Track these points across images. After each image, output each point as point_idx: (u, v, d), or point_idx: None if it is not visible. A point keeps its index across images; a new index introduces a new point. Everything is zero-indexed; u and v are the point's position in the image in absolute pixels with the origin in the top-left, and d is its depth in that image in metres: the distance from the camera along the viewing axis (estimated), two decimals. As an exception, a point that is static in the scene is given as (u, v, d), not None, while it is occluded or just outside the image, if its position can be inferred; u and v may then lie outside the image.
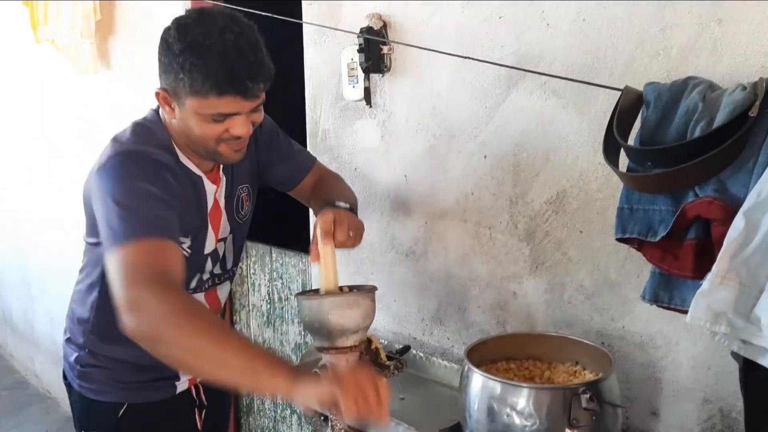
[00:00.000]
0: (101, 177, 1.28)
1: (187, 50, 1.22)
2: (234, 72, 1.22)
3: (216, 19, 1.24)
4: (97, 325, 1.47)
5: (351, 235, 1.34)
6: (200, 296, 1.51)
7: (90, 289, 1.48)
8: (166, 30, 1.27)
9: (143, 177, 1.26)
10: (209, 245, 1.46)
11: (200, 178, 1.42)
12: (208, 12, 1.27)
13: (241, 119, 1.29)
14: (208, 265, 1.49)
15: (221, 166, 1.46)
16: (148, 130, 1.38)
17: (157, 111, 1.42)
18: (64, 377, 1.58)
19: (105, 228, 1.22)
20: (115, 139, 1.35)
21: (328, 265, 1.31)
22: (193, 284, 1.47)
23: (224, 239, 1.51)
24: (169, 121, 1.36)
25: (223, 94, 1.23)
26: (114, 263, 1.16)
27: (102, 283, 1.43)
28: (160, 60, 1.28)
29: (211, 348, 1.09)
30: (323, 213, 1.34)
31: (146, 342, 1.11)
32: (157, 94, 1.31)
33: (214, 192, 1.45)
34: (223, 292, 1.59)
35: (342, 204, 1.41)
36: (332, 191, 1.55)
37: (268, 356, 1.10)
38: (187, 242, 1.38)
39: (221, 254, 1.52)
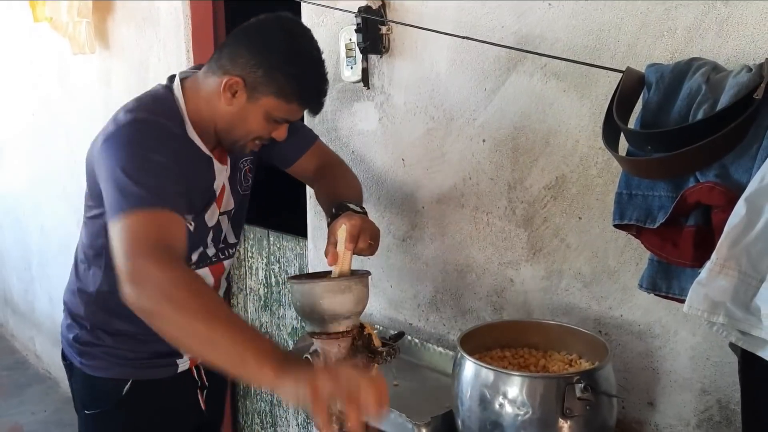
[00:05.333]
0: (109, 146, 1.26)
1: (296, 57, 1.31)
2: (322, 89, 1.36)
3: (309, 32, 1.37)
4: (102, 298, 1.46)
5: (371, 243, 1.34)
6: (205, 270, 1.50)
7: (95, 261, 1.46)
8: (266, 24, 1.32)
9: (152, 146, 1.26)
10: (212, 219, 1.45)
11: (210, 158, 1.41)
12: (300, 22, 1.43)
13: (286, 126, 1.39)
14: (210, 237, 1.47)
15: None
16: (159, 101, 1.37)
17: (166, 87, 1.40)
18: (63, 357, 1.57)
19: (110, 195, 1.21)
20: (125, 109, 1.34)
21: (345, 270, 1.30)
22: (195, 257, 1.46)
23: (228, 212, 1.50)
24: (212, 104, 1.34)
25: (304, 105, 1.36)
26: (117, 232, 1.15)
27: (106, 256, 1.42)
28: (248, 50, 1.30)
29: (203, 329, 1.05)
30: (350, 217, 1.32)
31: (145, 315, 1.09)
32: (228, 79, 1.30)
33: (223, 171, 1.45)
34: (226, 268, 1.58)
35: (357, 207, 1.41)
36: (340, 185, 1.54)
37: (258, 345, 1.04)
38: (190, 217, 1.37)
39: (224, 228, 1.51)
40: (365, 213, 1.42)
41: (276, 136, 1.38)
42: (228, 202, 1.49)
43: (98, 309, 1.48)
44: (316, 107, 1.38)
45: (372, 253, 1.37)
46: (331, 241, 1.31)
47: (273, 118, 1.34)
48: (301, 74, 1.31)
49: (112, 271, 1.39)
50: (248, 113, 1.33)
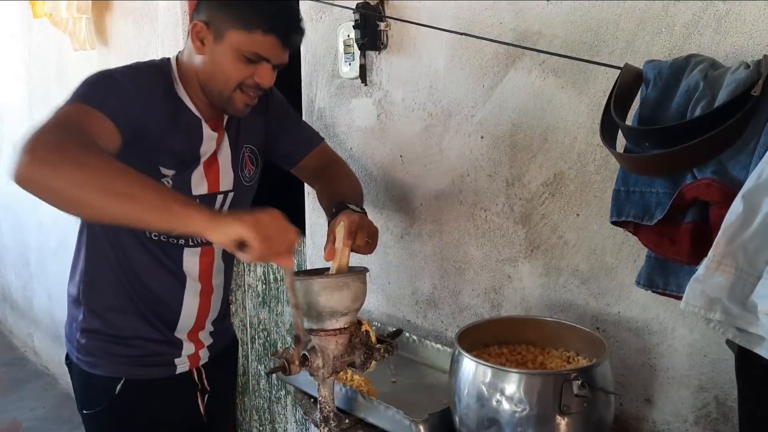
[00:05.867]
0: None
1: None
2: (283, 15, 1.33)
3: None
4: (93, 287, 1.46)
5: (368, 241, 1.34)
6: (196, 251, 1.46)
7: (81, 240, 1.47)
8: None
9: (120, 74, 1.30)
10: (198, 187, 1.42)
11: (199, 120, 1.41)
12: None
13: (268, 68, 1.34)
14: None
15: (225, 121, 1.45)
16: (150, 62, 1.41)
17: (164, 58, 1.43)
18: (67, 357, 1.55)
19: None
20: None
21: (342, 266, 1.30)
22: None
23: (224, 194, 1.47)
24: (191, 59, 1.37)
25: (268, 32, 1.30)
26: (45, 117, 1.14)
27: (87, 233, 1.44)
28: None
29: (117, 183, 1.04)
30: (349, 215, 1.33)
31: (38, 179, 1.05)
32: (194, 25, 1.33)
33: (215, 139, 1.43)
34: (218, 257, 1.52)
35: (356, 208, 1.41)
36: (342, 186, 1.54)
37: (181, 196, 1.10)
38: (170, 173, 1.36)
39: (216, 208, 1.46)
40: (364, 213, 1.42)
41: (259, 81, 1.34)
42: (225, 182, 1.46)
43: (92, 300, 1.46)
44: (283, 34, 1.31)
45: (370, 252, 1.37)
46: (331, 239, 1.32)
47: (244, 54, 1.31)
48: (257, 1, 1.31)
49: (93, 273, 1.43)
50: (220, 56, 1.32)
